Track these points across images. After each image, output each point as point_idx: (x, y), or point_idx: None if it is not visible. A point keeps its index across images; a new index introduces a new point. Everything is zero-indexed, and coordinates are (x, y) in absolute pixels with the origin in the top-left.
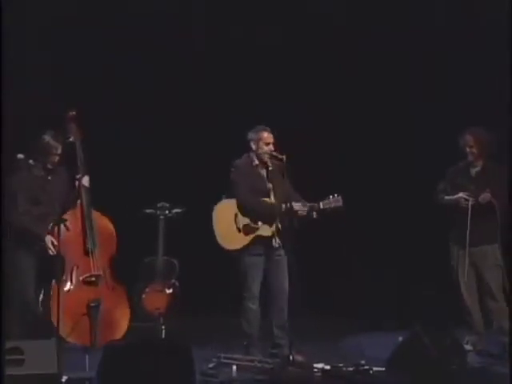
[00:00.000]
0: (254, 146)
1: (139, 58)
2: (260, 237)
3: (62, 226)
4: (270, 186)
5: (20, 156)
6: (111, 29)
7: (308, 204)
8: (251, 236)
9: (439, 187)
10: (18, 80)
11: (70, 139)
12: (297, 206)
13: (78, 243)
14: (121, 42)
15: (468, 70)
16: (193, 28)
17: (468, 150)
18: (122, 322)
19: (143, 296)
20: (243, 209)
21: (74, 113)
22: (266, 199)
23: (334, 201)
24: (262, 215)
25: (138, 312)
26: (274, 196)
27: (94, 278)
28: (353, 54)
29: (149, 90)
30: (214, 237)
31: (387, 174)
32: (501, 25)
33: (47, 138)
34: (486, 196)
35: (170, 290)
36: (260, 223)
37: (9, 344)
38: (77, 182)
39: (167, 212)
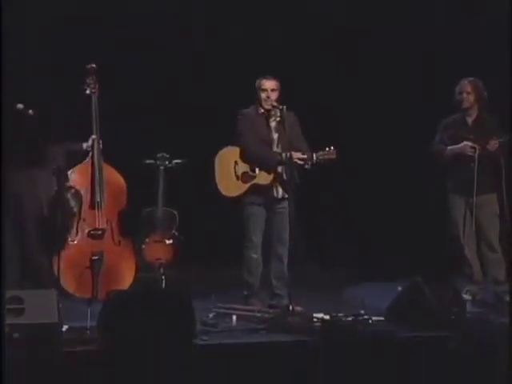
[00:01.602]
0: (256, 95)
1: (139, 58)
2: (257, 185)
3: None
4: (275, 136)
5: (19, 106)
6: (111, 29)
7: (303, 155)
8: (248, 184)
9: (436, 139)
10: (17, 80)
11: (87, 92)
12: (295, 154)
13: (87, 197)
14: (121, 42)
15: (468, 70)
16: (193, 28)
17: (464, 96)
18: (127, 276)
19: (143, 246)
20: (246, 156)
21: (93, 65)
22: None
23: (327, 153)
24: (264, 164)
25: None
26: (278, 147)
27: (99, 232)
28: (353, 54)
29: (149, 89)
30: (215, 187)
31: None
32: (501, 25)
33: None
34: (494, 143)
35: (170, 241)
36: (257, 171)
37: (9, 293)
38: (90, 140)
39: (167, 163)
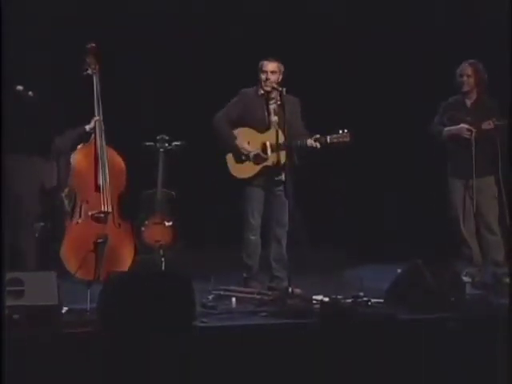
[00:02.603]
0: (258, 76)
1: (139, 58)
2: (268, 167)
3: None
4: (274, 118)
5: (19, 88)
6: (111, 29)
7: (314, 136)
8: (260, 166)
9: (435, 120)
10: (18, 80)
11: (88, 72)
12: (303, 137)
13: (90, 179)
14: (121, 42)
15: (468, 55)
16: (193, 28)
17: (465, 79)
18: (127, 259)
19: (142, 229)
20: (212, 126)
21: (93, 45)
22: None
23: (341, 136)
24: (223, 145)
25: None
26: (278, 130)
27: (102, 215)
28: (353, 51)
29: (149, 72)
30: (215, 169)
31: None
32: (501, 25)
33: None
34: (488, 123)
35: (170, 223)
36: (269, 153)
37: (9, 275)
38: (93, 122)
39: (167, 145)
